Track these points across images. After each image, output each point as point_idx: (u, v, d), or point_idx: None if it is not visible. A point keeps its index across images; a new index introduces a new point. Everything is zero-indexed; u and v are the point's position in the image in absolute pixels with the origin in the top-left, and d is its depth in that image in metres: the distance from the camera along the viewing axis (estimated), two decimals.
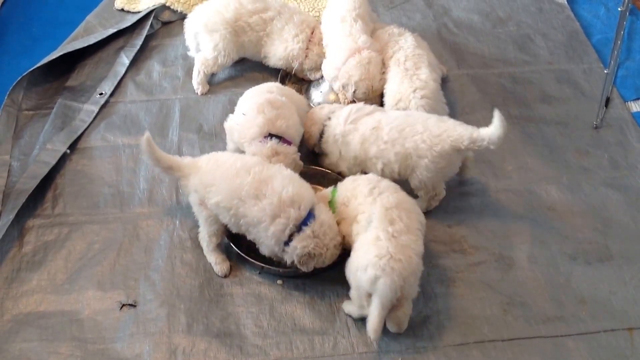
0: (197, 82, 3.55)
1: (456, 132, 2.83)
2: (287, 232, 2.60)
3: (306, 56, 3.52)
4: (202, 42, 3.56)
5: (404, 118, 2.95)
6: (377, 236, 2.50)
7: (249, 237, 2.71)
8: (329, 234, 2.62)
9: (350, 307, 2.65)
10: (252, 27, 3.51)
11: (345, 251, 2.69)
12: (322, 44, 3.53)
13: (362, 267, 2.48)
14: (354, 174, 2.89)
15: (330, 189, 2.81)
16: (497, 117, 2.73)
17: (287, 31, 3.53)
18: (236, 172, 2.67)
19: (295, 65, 3.52)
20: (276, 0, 3.60)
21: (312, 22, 3.61)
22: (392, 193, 2.65)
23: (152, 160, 2.81)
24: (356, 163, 3.00)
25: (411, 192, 2.86)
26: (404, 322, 2.57)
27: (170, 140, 3.31)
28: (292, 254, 2.61)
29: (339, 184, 2.78)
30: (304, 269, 2.63)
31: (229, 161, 2.74)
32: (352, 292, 2.58)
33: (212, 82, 3.61)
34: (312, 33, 3.56)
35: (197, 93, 3.54)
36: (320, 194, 2.81)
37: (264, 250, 2.69)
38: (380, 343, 2.57)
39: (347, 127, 3.00)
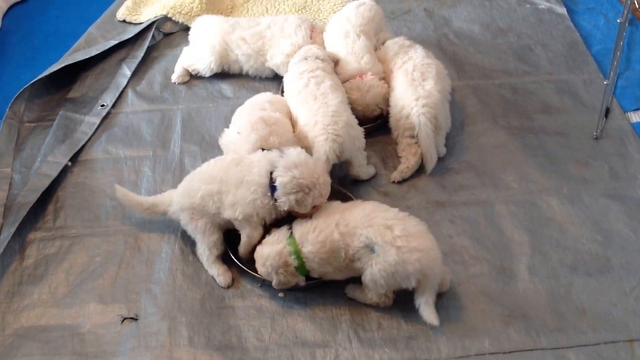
0: (176, 70, 3.70)
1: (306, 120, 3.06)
2: (268, 168, 2.68)
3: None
4: (192, 46, 3.71)
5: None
6: (399, 248, 2.52)
7: (223, 210, 2.74)
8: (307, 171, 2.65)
9: (361, 296, 2.69)
10: (247, 41, 3.58)
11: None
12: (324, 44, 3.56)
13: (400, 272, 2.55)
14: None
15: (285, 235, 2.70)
16: None
17: (288, 27, 3.57)
18: (211, 166, 2.81)
19: None
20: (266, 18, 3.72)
21: (308, 20, 3.67)
22: (352, 218, 2.63)
23: (134, 206, 2.91)
24: None
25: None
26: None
27: (172, 152, 3.32)
28: (281, 189, 2.63)
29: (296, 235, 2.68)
30: (295, 206, 2.64)
31: (201, 166, 2.87)
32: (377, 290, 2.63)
33: (214, 93, 3.62)
34: (311, 31, 3.59)
35: (173, 80, 3.68)
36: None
37: (235, 211, 2.71)
38: (381, 355, 2.57)
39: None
